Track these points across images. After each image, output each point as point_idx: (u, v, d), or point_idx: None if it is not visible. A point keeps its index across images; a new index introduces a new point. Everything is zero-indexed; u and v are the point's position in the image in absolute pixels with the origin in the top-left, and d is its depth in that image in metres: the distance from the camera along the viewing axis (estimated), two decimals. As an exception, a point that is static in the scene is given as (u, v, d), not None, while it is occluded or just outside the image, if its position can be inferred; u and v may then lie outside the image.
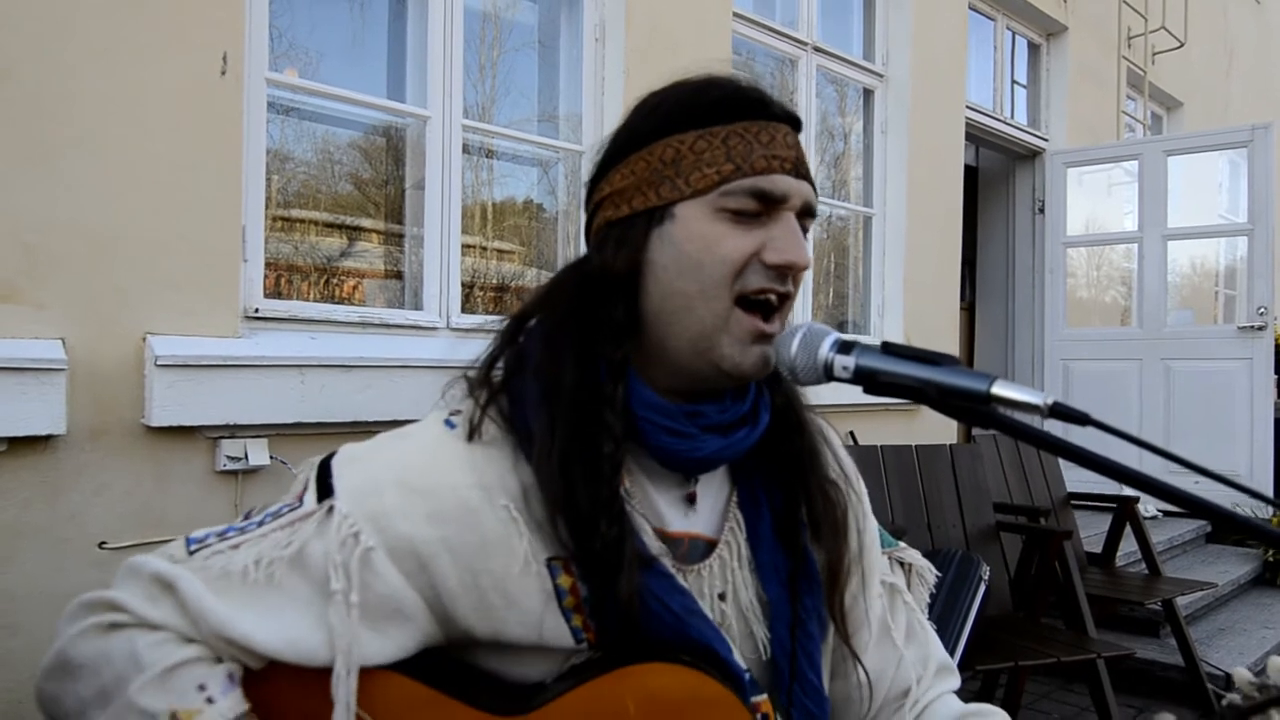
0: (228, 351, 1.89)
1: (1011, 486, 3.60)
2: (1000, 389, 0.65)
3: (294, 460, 1.97)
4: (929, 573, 1.08)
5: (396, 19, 2.63)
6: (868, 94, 4.26)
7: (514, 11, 3.00)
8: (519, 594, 0.79)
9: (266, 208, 2.18)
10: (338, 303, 2.54)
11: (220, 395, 1.87)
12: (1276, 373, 5.17)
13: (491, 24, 2.92)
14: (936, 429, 3.97)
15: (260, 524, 0.80)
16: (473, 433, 0.82)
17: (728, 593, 0.88)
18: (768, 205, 0.82)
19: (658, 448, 0.83)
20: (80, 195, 1.74)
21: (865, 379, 0.74)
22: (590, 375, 0.82)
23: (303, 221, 2.51)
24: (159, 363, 1.78)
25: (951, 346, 4.55)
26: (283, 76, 2.26)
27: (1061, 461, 3.91)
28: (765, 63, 3.87)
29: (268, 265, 2.21)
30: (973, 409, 0.67)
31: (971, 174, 5.87)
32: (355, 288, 2.66)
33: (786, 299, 0.85)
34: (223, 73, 1.94)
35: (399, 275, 2.64)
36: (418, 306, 2.51)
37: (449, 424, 0.84)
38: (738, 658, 0.84)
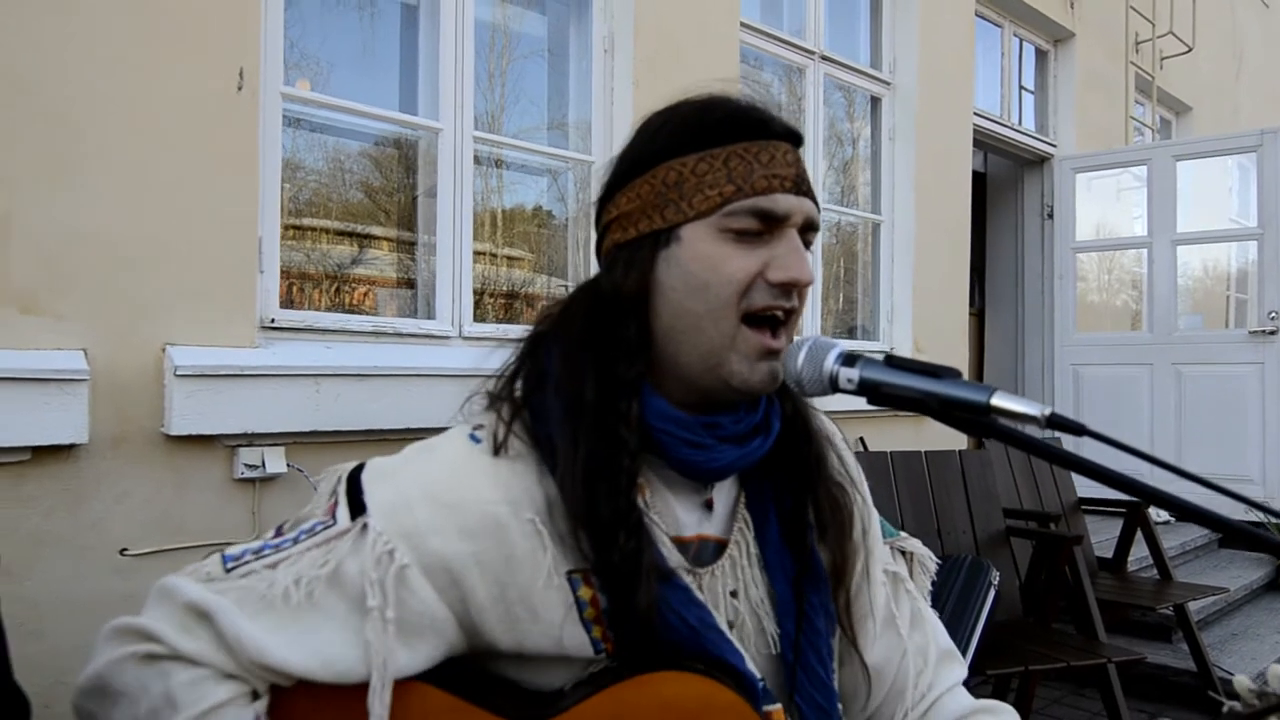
0: (245, 361, 1.92)
1: (1022, 492, 3.60)
2: (1000, 400, 0.68)
3: (310, 468, 2.00)
4: (930, 560, 1.11)
5: (408, 29, 2.66)
6: (875, 101, 4.28)
7: (523, 23, 3.04)
8: (542, 606, 0.81)
9: (281, 219, 2.22)
10: (350, 311, 2.57)
11: (238, 404, 1.90)
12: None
13: (501, 35, 2.96)
14: (946, 435, 3.98)
15: (295, 541, 0.81)
16: (499, 448, 0.84)
17: (739, 590, 0.91)
18: (770, 224, 0.85)
19: (677, 460, 0.86)
20: (100, 208, 1.77)
21: (869, 391, 0.76)
22: (608, 393, 0.84)
23: (314, 230, 2.54)
24: (178, 373, 1.81)
25: (961, 352, 4.56)
26: (298, 91, 2.30)
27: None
28: (773, 71, 3.90)
29: (281, 275, 2.25)
30: (974, 420, 0.69)
31: (980, 180, 5.88)
32: (367, 295, 2.70)
33: (792, 314, 0.87)
34: (239, 88, 1.97)
35: (411, 284, 2.67)
36: (430, 316, 2.54)
37: (474, 438, 0.86)
38: (751, 666, 0.87)
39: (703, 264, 0.84)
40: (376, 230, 2.69)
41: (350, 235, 2.64)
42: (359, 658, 0.76)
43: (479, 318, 2.63)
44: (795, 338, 0.87)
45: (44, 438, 1.67)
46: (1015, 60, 5.53)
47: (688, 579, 0.87)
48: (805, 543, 0.93)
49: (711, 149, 0.85)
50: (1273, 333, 4.87)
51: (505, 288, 3.02)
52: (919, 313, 4.24)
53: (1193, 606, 3.52)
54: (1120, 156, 5.62)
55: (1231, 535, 0.69)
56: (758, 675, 0.87)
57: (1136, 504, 3.73)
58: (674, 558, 0.87)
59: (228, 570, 0.80)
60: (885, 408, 0.77)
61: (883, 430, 3.69)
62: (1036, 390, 5.71)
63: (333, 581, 0.78)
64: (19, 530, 1.69)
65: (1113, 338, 5.72)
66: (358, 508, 0.81)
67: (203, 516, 1.90)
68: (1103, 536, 4.10)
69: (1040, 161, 5.69)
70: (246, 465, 1.93)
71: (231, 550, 0.83)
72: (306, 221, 2.54)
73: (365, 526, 0.80)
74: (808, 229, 0.87)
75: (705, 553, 0.91)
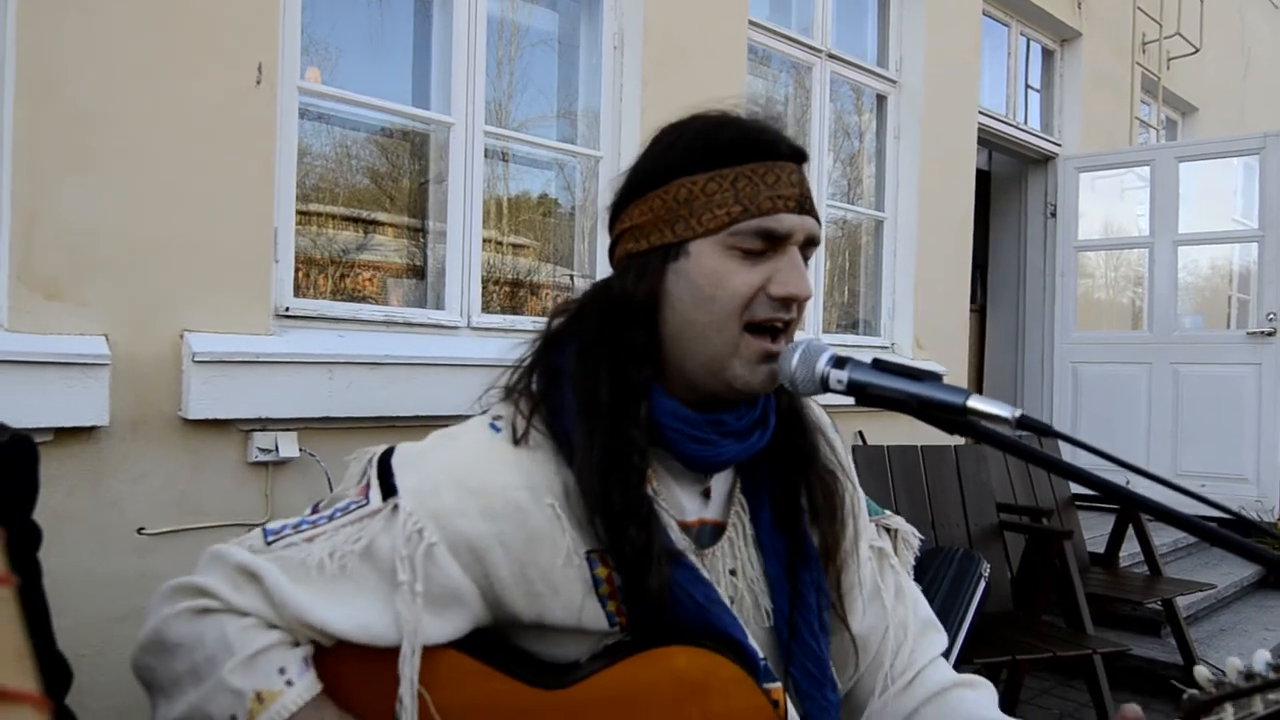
0: (260, 349, 1.98)
1: (1016, 487, 3.66)
2: (974, 402, 0.73)
3: (323, 453, 2.07)
4: (913, 537, 1.17)
5: (420, 19, 2.71)
6: (881, 99, 4.32)
7: (534, 19, 3.09)
8: (562, 583, 0.88)
9: (295, 208, 2.27)
10: (361, 300, 2.63)
11: (253, 390, 1.96)
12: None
13: (512, 30, 3.00)
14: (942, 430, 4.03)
15: (330, 518, 0.89)
16: (519, 439, 0.91)
17: (738, 569, 0.98)
18: (773, 242, 0.90)
19: (683, 454, 0.93)
20: (123, 201, 1.83)
21: (857, 391, 0.82)
22: (620, 393, 0.91)
23: (327, 216, 2.59)
24: (196, 359, 1.87)
25: (961, 348, 4.61)
26: (314, 85, 2.34)
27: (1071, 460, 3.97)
28: (780, 68, 3.94)
29: (295, 263, 2.30)
30: (952, 420, 0.75)
31: (984, 178, 5.92)
32: (378, 285, 2.75)
33: (790, 323, 0.93)
34: (258, 82, 2.03)
35: (421, 275, 2.73)
36: (439, 306, 2.60)
37: (494, 428, 0.93)
38: (753, 643, 0.93)
39: (709, 278, 0.90)
40: (387, 220, 2.74)
41: (360, 221, 2.69)
42: (390, 624, 0.83)
43: (485, 306, 2.69)
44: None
45: (66, 420, 1.74)
46: (1022, 59, 5.55)
47: (694, 559, 0.94)
48: (797, 524, 1.00)
49: (721, 169, 0.90)
50: (1271, 334, 4.92)
51: (511, 276, 3.06)
52: (920, 309, 4.29)
53: (1182, 602, 3.59)
54: (1124, 157, 5.65)
55: (1206, 536, 0.74)
56: (760, 654, 0.93)
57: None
58: (681, 541, 0.94)
59: (269, 543, 0.87)
60: (873, 407, 0.83)
61: (881, 424, 3.74)
62: (1036, 386, 5.77)
63: (365, 556, 0.85)
64: (42, 508, 1.72)
65: (1112, 336, 5.76)
66: (389, 490, 0.88)
67: (217, 498, 1.96)
68: (1097, 532, 4.16)
69: (1045, 160, 5.72)
70: (260, 449, 1.99)
71: (272, 525, 0.90)
72: (321, 210, 2.58)
73: (396, 507, 0.86)
74: (808, 245, 0.94)
75: (705, 535, 0.98)
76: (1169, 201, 5.25)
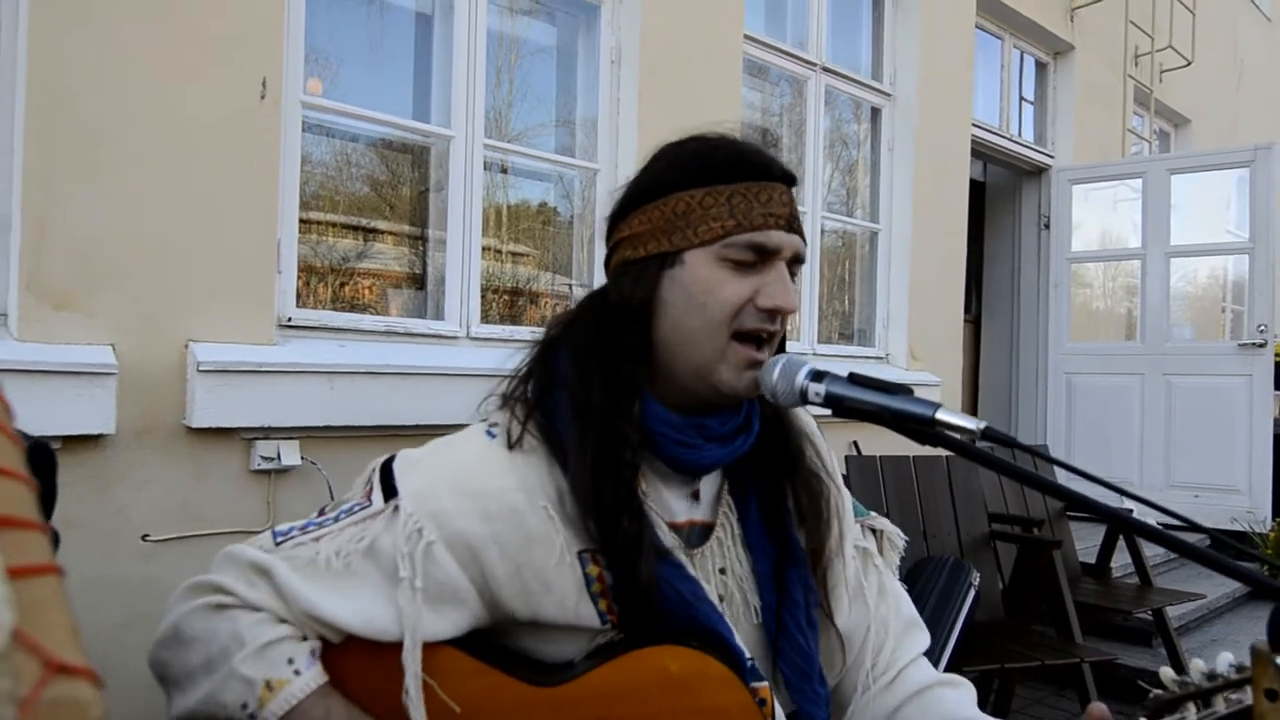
0: (263, 358, 2.02)
1: (1009, 498, 3.70)
2: (942, 415, 0.78)
3: (324, 461, 2.11)
4: (898, 538, 1.21)
5: (421, 33, 2.76)
6: (875, 112, 4.38)
7: (533, 32, 3.14)
8: (556, 581, 0.93)
9: (298, 218, 2.31)
10: (360, 308, 2.67)
11: (256, 399, 2.00)
12: (1277, 389, 5.25)
13: (511, 42, 3.05)
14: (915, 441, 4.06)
15: (336, 519, 0.94)
16: (514, 443, 0.96)
17: (727, 567, 1.03)
18: (762, 256, 0.96)
19: (669, 457, 0.98)
20: (130, 212, 1.88)
21: (833, 403, 0.86)
22: (612, 394, 0.96)
23: (324, 224, 2.63)
24: (200, 368, 1.92)
25: (955, 359, 4.65)
26: (317, 99, 2.39)
27: (1058, 473, 4.01)
28: (775, 82, 3.99)
29: (298, 271, 2.35)
30: (922, 430, 0.79)
31: (979, 189, 5.98)
32: (378, 293, 2.79)
33: (775, 334, 0.98)
34: (262, 96, 2.07)
35: (421, 283, 2.77)
36: (439, 316, 2.64)
37: (490, 434, 0.98)
38: (739, 642, 0.98)
39: (701, 286, 0.95)
40: (387, 228, 2.78)
41: (360, 229, 2.72)
42: (393, 618, 0.88)
43: (485, 315, 2.74)
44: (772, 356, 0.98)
45: (74, 428, 1.78)
46: (1016, 72, 5.62)
47: (682, 558, 0.99)
48: (784, 525, 1.05)
49: (717, 185, 0.96)
50: (1261, 345, 4.96)
51: (510, 284, 3.10)
52: (914, 320, 4.34)
53: (1173, 612, 3.62)
54: (1116, 169, 5.71)
55: (1183, 550, 0.78)
56: (746, 653, 0.98)
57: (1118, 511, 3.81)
58: (670, 539, 0.99)
59: (277, 544, 0.93)
60: (850, 419, 0.87)
61: (877, 434, 3.77)
62: (1030, 397, 5.81)
63: (369, 553, 0.90)
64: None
65: (1105, 347, 5.81)
66: (390, 492, 0.93)
67: (220, 505, 2.00)
68: (1089, 543, 4.19)
69: (1038, 172, 5.78)
70: (263, 457, 2.03)
71: (280, 527, 0.95)
72: (320, 218, 2.62)
73: (397, 508, 0.91)
74: (795, 262, 0.99)
75: (694, 536, 1.03)
76: (1161, 213, 5.30)
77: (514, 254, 3.12)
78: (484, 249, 2.75)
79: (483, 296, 2.72)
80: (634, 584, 0.92)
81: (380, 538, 0.91)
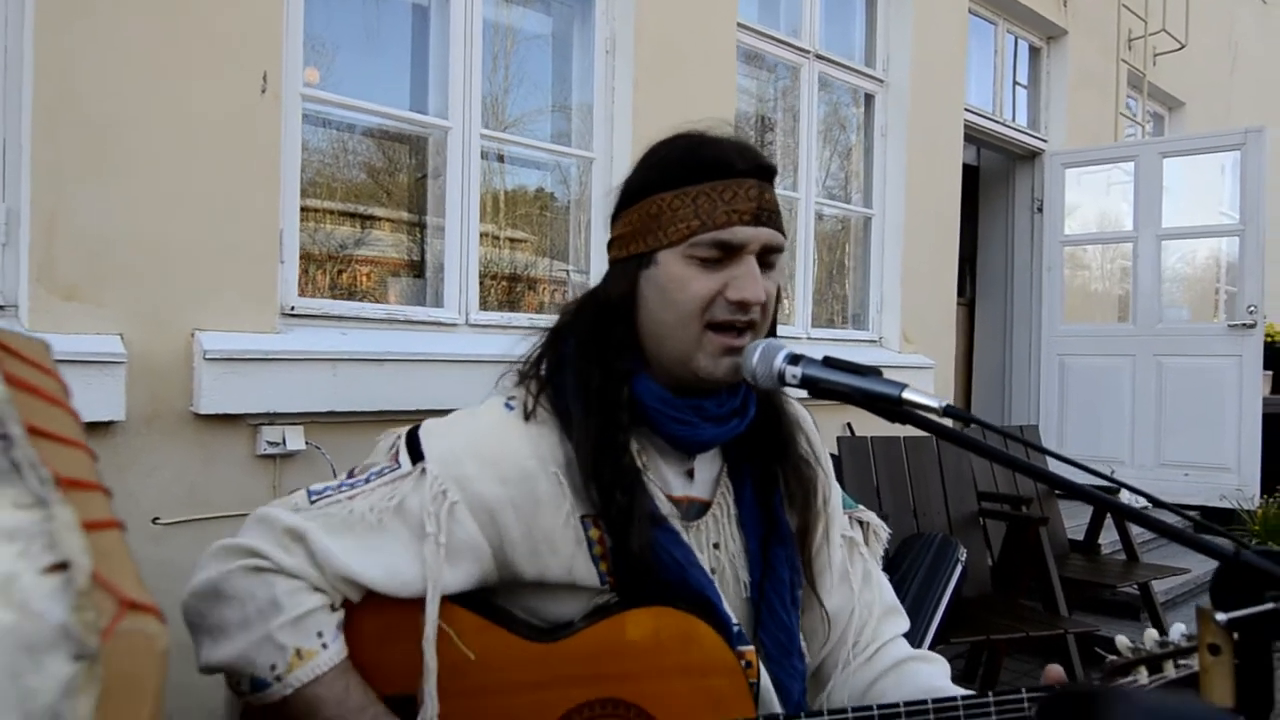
0: (268, 346, 2.08)
1: (999, 477, 3.77)
2: (908, 394, 0.84)
3: (328, 446, 2.16)
4: (882, 530, 1.31)
5: (418, 23, 2.80)
6: (869, 98, 4.41)
7: (528, 22, 3.18)
8: (561, 542, 1.02)
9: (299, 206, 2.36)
10: (360, 295, 2.73)
11: (261, 386, 2.06)
12: (1266, 369, 5.32)
13: (507, 32, 3.09)
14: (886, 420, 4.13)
15: (367, 480, 1.03)
16: (529, 415, 1.05)
17: (720, 543, 1.12)
18: (729, 252, 1.03)
19: (667, 433, 1.07)
20: (137, 206, 1.93)
21: (809, 385, 0.93)
22: (606, 380, 1.05)
23: (323, 211, 2.67)
24: (207, 356, 1.97)
25: (948, 342, 4.71)
26: (317, 91, 2.43)
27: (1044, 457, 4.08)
28: (770, 69, 4.03)
29: (300, 260, 2.39)
30: (891, 409, 0.85)
31: (973, 173, 6.02)
32: (377, 280, 2.85)
33: (750, 323, 1.05)
34: (263, 91, 2.12)
35: (420, 270, 2.83)
36: (439, 304, 2.70)
37: (509, 406, 1.07)
38: (727, 608, 1.06)
39: (673, 283, 1.04)
40: (385, 216, 2.82)
41: (358, 216, 2.77)
42: (417, 572, 0.98)
43: (483, 302, 2.79)
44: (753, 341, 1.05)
45: (85, 415, 1.77)
46: (1009, 57, 5.64)
47: (677, 526, 1.07)
48: (774, 506, 1.13)
49: (685, 187, 1.04)
50: (1251, 326, 5.02)
51: (508, 270, 3.14)
52: (907, 303, 4.39)
53: (1159, 586, 3.70)
54: (1108, 153, 5.75)
55: (1120, 515, 0.84)
56: (733, 619, 1.06)
57: (1105, 489, 3.89)
58: (666, 508, 1.08)
59: (312, 502, 1.01)
60: (826, 400, 0.93)
61: (869, 416, 3.83)
62: (1023, 378, 5.88)
63: (398, 511, 1.00)
64: (63, 498, 1.85)
65: (1097, 329, 5.86)
66: (417, 456, 1.02)
67: (227, 490, 2.06)
68: (1078, 520, 4.27)
69: (1031, 156, 5.82)
70: (269, 443, 2.09)
71: (315, 486, 1.04)
72: (319, 205, 2.66)
73: (424, 470, 1.01)
74: (769, 252, 1.06)
75: (692, 511, 1.12)
76: (1153, 196, 5.35)
77: (511, 240, 3.17)
78: (481, 235, 2.80)
79: (481, 283, 2.77)
80: (629, 548, 1.00)
81: (409, 497, 1.00)
